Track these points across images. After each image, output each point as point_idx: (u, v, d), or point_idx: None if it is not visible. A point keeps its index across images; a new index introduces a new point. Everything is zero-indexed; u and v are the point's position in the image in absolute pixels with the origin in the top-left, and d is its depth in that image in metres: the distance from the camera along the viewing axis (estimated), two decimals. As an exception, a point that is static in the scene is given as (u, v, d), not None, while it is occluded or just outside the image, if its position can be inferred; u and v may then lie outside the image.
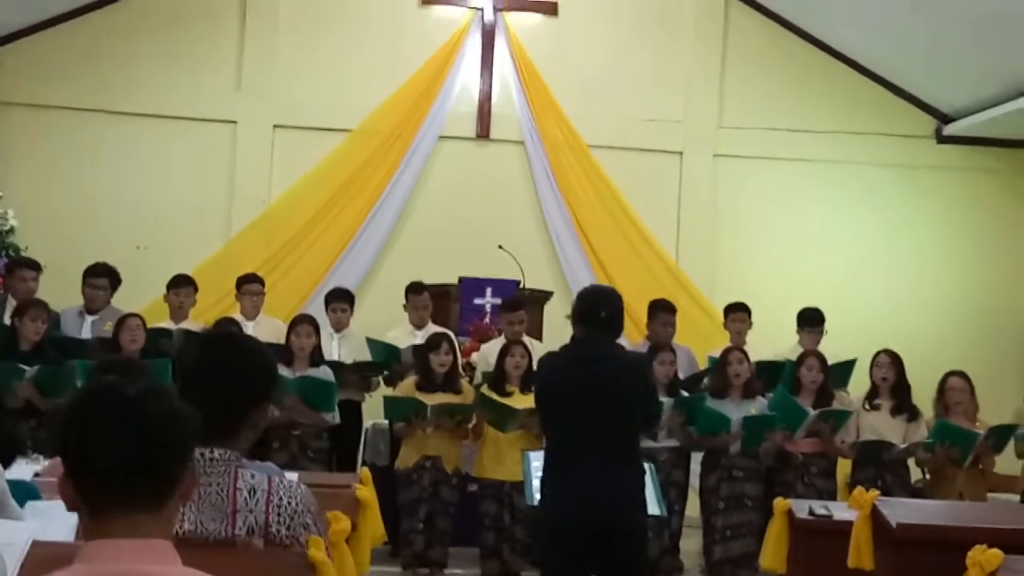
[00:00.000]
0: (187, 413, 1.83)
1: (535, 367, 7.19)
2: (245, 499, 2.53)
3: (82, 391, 1.83)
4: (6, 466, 3.33)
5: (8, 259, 8.00)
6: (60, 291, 7.67)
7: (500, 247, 8.83)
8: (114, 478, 1.72)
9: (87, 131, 9.67)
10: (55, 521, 2.64)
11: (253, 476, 2.57)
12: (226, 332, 2.90)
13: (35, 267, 7.51)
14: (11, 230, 8.59)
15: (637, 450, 4.56)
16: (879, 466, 6.92)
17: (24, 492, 3.30)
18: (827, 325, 7.96)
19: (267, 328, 7.64)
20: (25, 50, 9.63)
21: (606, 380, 4.42)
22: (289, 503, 2.56)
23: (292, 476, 4.10)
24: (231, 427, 2.58)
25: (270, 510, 2.54)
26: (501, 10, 10.06)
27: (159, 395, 1.80)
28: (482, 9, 10.04)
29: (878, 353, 7.24)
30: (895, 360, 7.14)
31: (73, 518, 1.78)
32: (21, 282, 7.40)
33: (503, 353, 7.01)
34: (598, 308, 4.57)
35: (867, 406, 7.13)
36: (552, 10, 10.13)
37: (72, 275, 7.66)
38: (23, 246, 8.40)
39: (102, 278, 7.49)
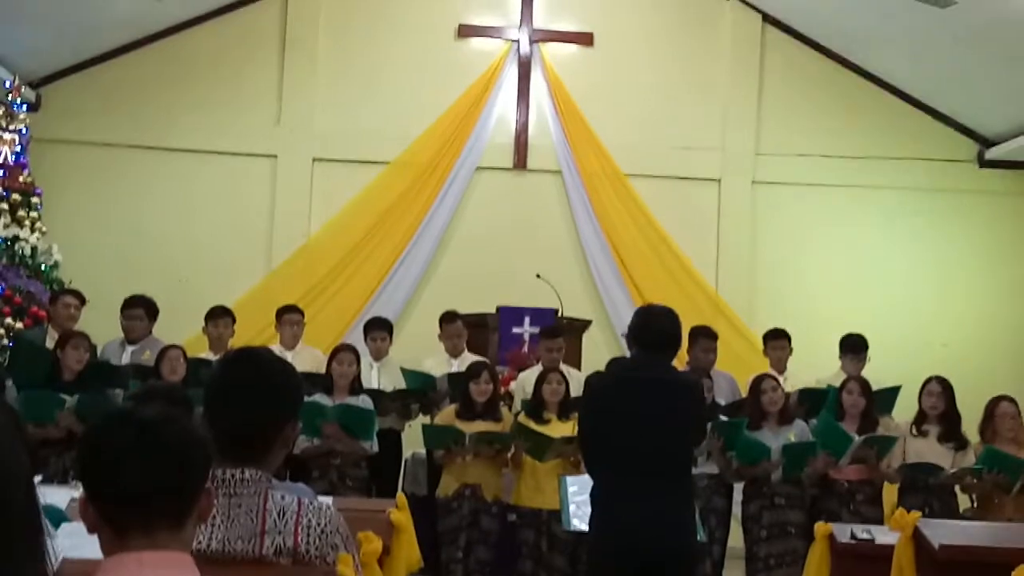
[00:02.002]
0: (201, 436, 1.86)
1: (580, 389, 7.22)
2: (275, 520, 2.53)
3: (101, 418, 1.86)
4: None
5: (52, 292, 8.11)
6: (103, 325, 7.75)
7: (538, 276, 8.83)
8: (136, 500, 1.75)
9: (129, 167, 9.84)
10: (87, 540, 2.65)
11: (283, 497, 2.57)
12: (247, 352, 2.86)
13: (78, 296, 7.62)
14: (55, 265, 8.71)
15: (687, 475, 4.52)
16: (926, 493, 6.79)
17: (54, 516, 3.33)
18: (869, 352, 7.86)
19: (306, 358, 7.68)
20: (67, 89, 9.83)
21: (656, 406, 4.37)
22: (318, 524, 2.56)
23: (326, 500, 4.11)
24: (260, 446, 2.58)
25: (299, 531, 2.53)
26: (537, 41, 10.13)
27: (174, 420, 1.84)
28: (518, 41, 10.12)
29: (929, 380, 7.10)
30: (946, 389, 7.00)
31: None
32: (64, 308, 7.50)
33: (540, 380, 6.98)
34: (650, 326, 4.54)
35: (914, 432, 7.02)
36: (588, 40, 10.18)
37: (115, 309, 7.73)
38: (67, 280, 8.51)
39: (138, 308, 7.59)
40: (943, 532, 4.30)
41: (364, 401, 6.98)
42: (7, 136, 8.61)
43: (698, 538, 4.98)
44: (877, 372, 7.60)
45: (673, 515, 4.35)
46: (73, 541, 2.76)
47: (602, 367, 7.49)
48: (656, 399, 4.40)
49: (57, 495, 3.95)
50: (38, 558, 1.53)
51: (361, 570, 2.82)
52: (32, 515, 1.54)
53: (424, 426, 7.12)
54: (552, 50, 10.17)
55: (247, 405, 2.57)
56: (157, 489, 1.76)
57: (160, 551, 1.74)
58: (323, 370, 7.14)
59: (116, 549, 1.75)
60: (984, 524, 5.85)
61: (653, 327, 4.55)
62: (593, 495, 4.48)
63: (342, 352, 7.15)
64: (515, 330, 8.45)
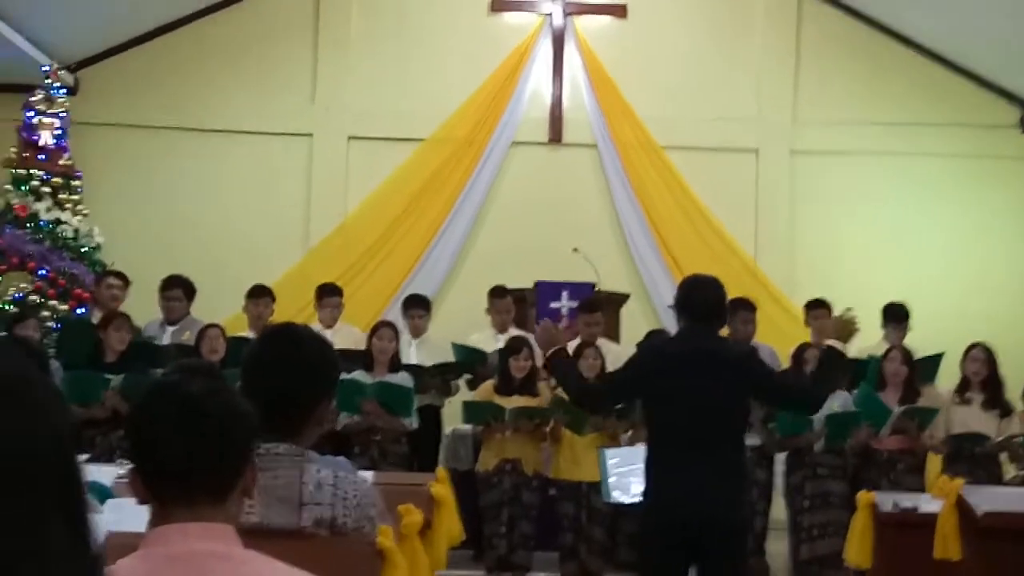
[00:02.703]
0: (247, 410, 1.84)
1: (617, 363, 7.20)
2: (311, 492, 2.55)
3: (145, 393, 1.86)
4: None
5: (95, 275, 8.21)
6: (145, 305, 7.83)
7: (575, 250, 8.80)
8: (176, 473, 1.76)
9: (167, 148, 9.91)
10: (131, 516, 2.69)
11: (319, 471, 2.58)
12: (287, 327, 2.86)
13: (121, 277, 7.73)
14: (97, 247, 8.81)
15: (743, 448, 4.50)
16: (971, 462, 6.73)
17: (99, 492, 3.37)
18: (911, 320, 7.80)
19: (345, 335, 7.71)
20: (105, 72, 9.92)
21: (713, 377, 4.34)
22: (354, 496, 2.58)
23: (367, 475, 4.13)
24: (295, 422, 2.59)
25: (336, 503, 2.55)
26: (570, 14, 10.07)
27: (220, 393, 1.83)
28: (551, 14, 10.06)
29: (971, 347, 7.04)
30: (989, 355, 6.95)
31: (147, 514, 1.81)
32: (107, 289, 7.63)
33: (576, 355, 6.97)
34: (697, 296, 4.50)
35: (957, 399, 6.96)
36: (621, 12, 10.11)
37: (156, 289, 7.82)
38: (109, 262, 8.61)
39: (176, 289, 7.68)
40: (987, 499, 4.26)
41: (403, 378, 7.01)
42: (47, 120, 8.71)
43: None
44: (919, 341, 7.53)
45: (721, 488, 4.33)
46: (117, 516, 2.80)
47: (640, 341, 7.50)
48: (705, 374, 4.36)
49: (103, 473, 4.01)
50: (82, 546, 1.25)
51: (401, 542, 2.84)
52: (72, 497, 1.27)
53: (464, 402, 7.15)
54: (585, 22, 10.10)
55: (284, 379, 2.57)
56: (198, 463, 1.76)
57: (204, 523, 1.75)
58: (362, 347, 7.17)
59: (161, 521, 1.76)
60: (1029, 491, 5.78)
61: (698, 297, 4.51)
62: (645, 467, 4.48)
63: (382, 328, 7.19)
64: (553, 305, 8.44)
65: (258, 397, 2.52)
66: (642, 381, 4.55)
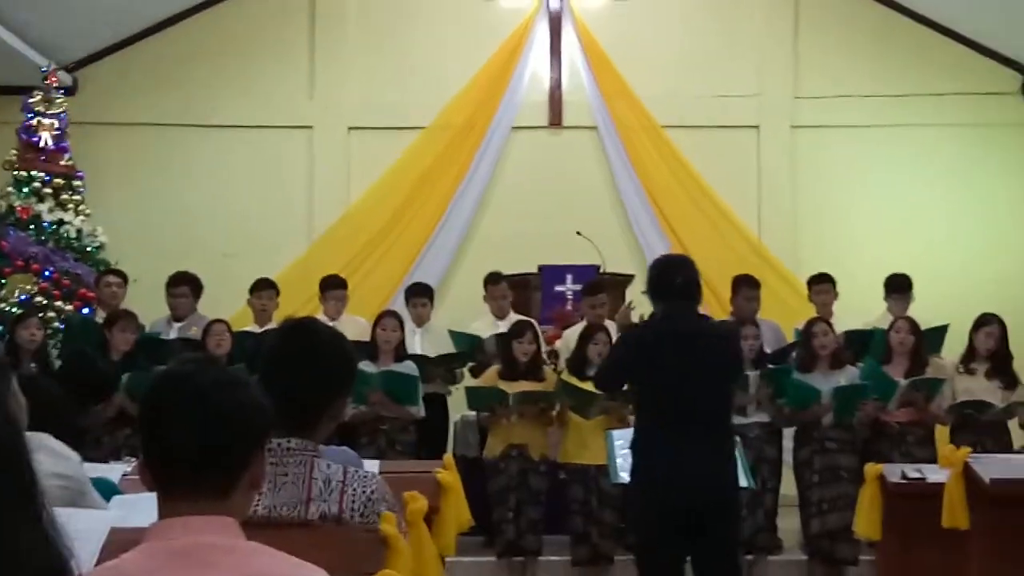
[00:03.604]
0: (259, 403, 1.82)
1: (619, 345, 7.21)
2: (320, 489, 2.54)
3: (159, 378, 1.85)
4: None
5: (98, 274, 8.24)
6: (152, 304, 7.85)
7: (578, 233, 8.80)
8: (181, 464, 1.75)
9: (168, 145, 9.92)
10: (138, 511, 2.71)
11: (329, 467, 2.58)
12: (305, 322, 2.86)
13: (120, 275, 7.77)
14: (101, 246, 8.83)
15: (730, 426, 4.51)
16: (979, 431, 6.72)
17: (107, 489, 3.39)
18: (915, 292, 7.78)
19: (350, 326, 7.68)
20: (102, 71, 9.93)
21: (699, 357, 4.36)
22: (363, 492, 2.57)
23: (373, 464, 4.14)
24: (310, 418, 2.59)
25: (344, 500, 2.55)
26: (567, -4, 10.03)
27: (231, 385, 1.81)
28: (547, -4, 10.02)
29: (986, 321, 6.95)
30: (1003, 330, 6.90)
31: (153, 509, 1.81)
32: (106, 287, 7.69)
33: (584, 338, 6.97)
34: (672, 277, 4.50)
35: (961, 369, 6.95)
36: (618, -9, 10.06)
37: (162, 287, 7.84)
38: (113, 261, 8.62)
39: (182, 286, 7.71)
40: (994, 467, 4.26)
41: (408, 367, 7.02)
42: (46, 121, 8.72)
43: (747, 486, 4.98)
44: (924, 312, 7.52)
45: (711, 466, 4.34)
46: (124, 512, 2.82)
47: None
48: (696, 352, 4.37)
49: (110, 471, 4.06)
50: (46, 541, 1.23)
51: (407, 529, 2.85)
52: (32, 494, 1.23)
53: (467, 388, 7.16)
54: (582, 4, 10.06)
55: (301, 376, 2.57)
56: (205, 455, 1.74)
57: (206, 516, 1.74)
58: (367, 338, 7.18)
59: (167, 514, 1.76)
60: (1036, 458, 5.78)
61: (674, 278, 4.52)
62: (633, 446, 4.48)
63: (385, 318, 7.20)
64: (558, 288, 8.44)
65: (275, 392, 2.52)
66: (629, 364, 4.56)
